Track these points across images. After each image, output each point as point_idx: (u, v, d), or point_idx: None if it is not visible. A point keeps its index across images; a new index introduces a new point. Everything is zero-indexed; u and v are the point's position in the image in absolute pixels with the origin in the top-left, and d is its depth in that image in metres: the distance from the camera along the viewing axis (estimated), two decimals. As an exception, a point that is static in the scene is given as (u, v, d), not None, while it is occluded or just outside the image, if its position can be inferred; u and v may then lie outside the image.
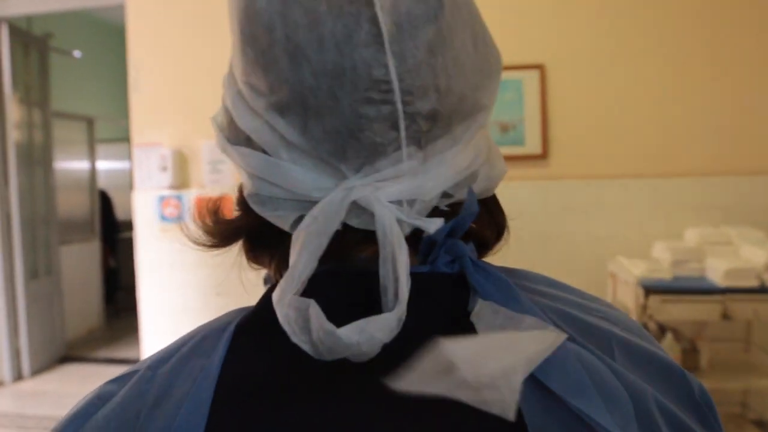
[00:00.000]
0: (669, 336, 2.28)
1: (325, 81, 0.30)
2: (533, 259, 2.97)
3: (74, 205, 4.70)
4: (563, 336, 0.29)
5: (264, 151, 0.34)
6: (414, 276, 0.31)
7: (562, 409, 0.31)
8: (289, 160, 0.33)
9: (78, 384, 3.76)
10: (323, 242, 0.31)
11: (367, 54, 0.30)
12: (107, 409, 0.34)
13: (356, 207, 0.32)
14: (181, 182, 3.18)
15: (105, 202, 5.22)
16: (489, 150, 0.38)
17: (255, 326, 0.35)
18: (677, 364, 0.37)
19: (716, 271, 2.22)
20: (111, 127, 5.20)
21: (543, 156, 2.80)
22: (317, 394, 0.31)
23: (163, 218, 3.19)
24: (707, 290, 2.19)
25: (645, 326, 2.36)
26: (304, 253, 0.30)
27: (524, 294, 0.34)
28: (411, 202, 0.33)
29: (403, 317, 0.29)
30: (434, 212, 0.34)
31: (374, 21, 0.30)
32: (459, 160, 0.34)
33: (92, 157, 4.89)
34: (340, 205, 0.31)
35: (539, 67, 2.81)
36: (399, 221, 0.31)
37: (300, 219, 0.33)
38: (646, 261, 2.45)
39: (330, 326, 0.28)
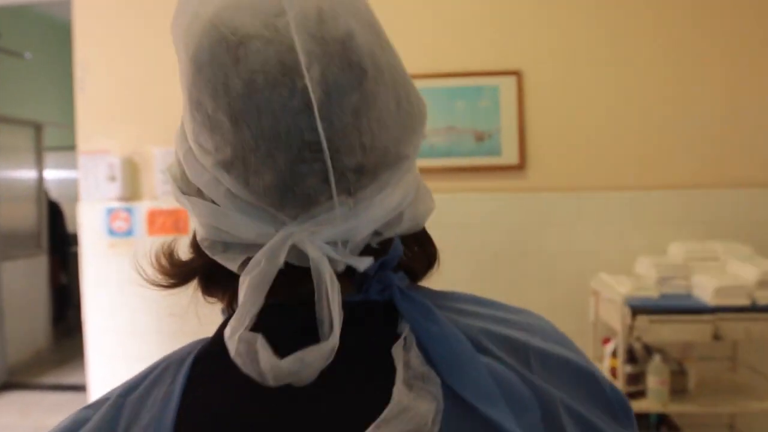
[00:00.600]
0: (657, 358, 2.14)
1: (264, 143, 0.35)
2: (510, 276, 2.81)
3: (19, 217, 4.37)
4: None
5: (213, 202, 0.38)
6: (349, 304, 0.36)
7: (474, 416, 0.35)
8: (235, 209, 0.37)
9: (18, 415, 3.43)
10: (267, 281, 0.34)
11: (300, 120, 0.35)
12: None
13: (295, 249, 0.36)
14: (131, 193, 2.92)
15: (55, 213, 4.89)
16: (417, 189, 0.42)
17: (211, 357, 0.39)
18: (591, 367, 0.41)
19: (705, 288, 2.09)
20: (61, 133, 4.87)
21: (520, 167, 2.66)
22: (265, 416, 0.36)
23: (112, 233, 2.93)
24: (697, 309, 2.06)
25: (630, 348, 2.22)
26: (250, 293, 0.34)
27: (445, 316, 0.39)
28: (344, 243, 0.37)
29: (336, 346, 0.33)
30: (366, 249, 0.38)
31: (305, 91, 0.34)
32: (387, 203, 0.38)
33: (40, 165, 4.56)
34: (280, 248, 0.35)
35: (516, 73, 2.67)
36: (332, 260, 0.36)
37: (247, 261, 0.37)
38: (631, 278, 2.32)
39: (275, 360, 0.33)
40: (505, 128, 2.66)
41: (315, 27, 0.35)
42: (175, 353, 0.42)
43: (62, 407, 3.50)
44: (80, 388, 3.10)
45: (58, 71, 4.65)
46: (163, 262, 0.43)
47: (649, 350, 2.29)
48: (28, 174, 4.51)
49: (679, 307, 2.08)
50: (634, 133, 2.63)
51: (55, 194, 4.96)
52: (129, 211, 2.92)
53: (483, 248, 2.66)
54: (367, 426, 0.32)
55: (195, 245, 0.43)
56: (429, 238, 0.45)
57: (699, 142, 2.57)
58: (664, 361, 2.17)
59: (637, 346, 2.26)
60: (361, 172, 0.36)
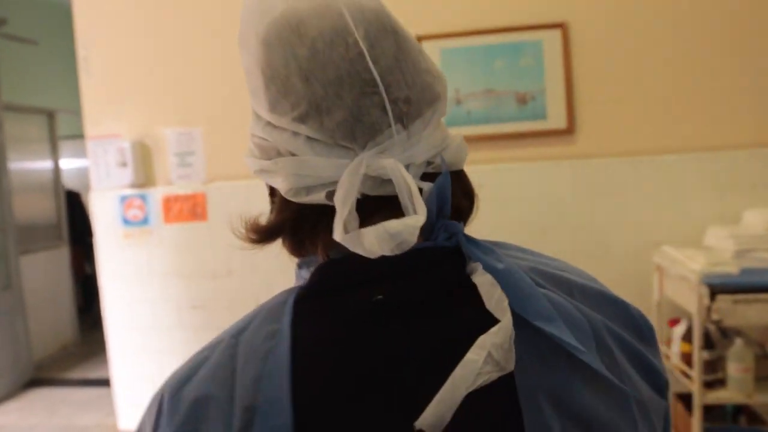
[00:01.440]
0: (738, 343, 1.88)
1: (331, 88, 0.44)
2: (560, 252, 2.52)
3: (37, 209, 4.24)
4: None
5: (292, 155, 0.46)
6: (423, 250, 0.45)
7: (539, 335, 0.42)
8: (313, 154, 0.45)
9: (45, 413, 3.32)
10: (353, 192, 0.43)
11: (357, 64, 0.44)
12: (206, 369, 0.44)
13: (369, 178, 0.44)
14: (144, 179, 2.73)
15: (75, 202, 4.76)
16: (448, 136, 0.50)
17: (312, 296, 0.46)
18: (619, 297, 0.50)
19: (795, 261, 1.81)
20: (76, 121, 4.71)
21: (569, 131, 2.38)
22: (381, 335, 0.43)
23: (126, 222, 2.75)
24: (788, 286, 1.78)
25: (706, 331, 1.96)
26: (343, 207, 0.42)
27: (504, 255, 0.47)
28: (407, 167, 0.45)
29: (422, 222, 0.41)
30: (423, 177, 0.46)
31: (356, 43, 0.44)
32: (432, 138, 0.47)
33: (55, 154, 4.41)
34: (358, 166, 0.43)
35: (561, 26, 2.37)
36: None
37: (331, 194, 0.44)
38: (702, 251, 2.04)
39: (380, 226, 0.41)
40: (551, 89, 2.37)
41: (353, 4, 0.46)
42: (269, 301, 0.48)
43: (90, 404, 3.39)
44: (107, 382, 2.96)
45: (68, 56, 4.47)
46: (254, 236, 0.50)
47: (725, 333, 2.02)
48: (44, 164, 4.36)
49: (765, 285, 1.80)
50: (696, 88, 2.31)
51: (72, 184, 4.83)
52: (143, 198, 2.73)
53: (529, 223, 2.40)
54: (472, 340, 0.40)
55: (279, 203, 0.49)
56: (467, 178, 0.51)
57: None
58: (746, 346, 1.90)
59: (712, 328, 1.99)
60: (409, 103, 0.46)
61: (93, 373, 3.88)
